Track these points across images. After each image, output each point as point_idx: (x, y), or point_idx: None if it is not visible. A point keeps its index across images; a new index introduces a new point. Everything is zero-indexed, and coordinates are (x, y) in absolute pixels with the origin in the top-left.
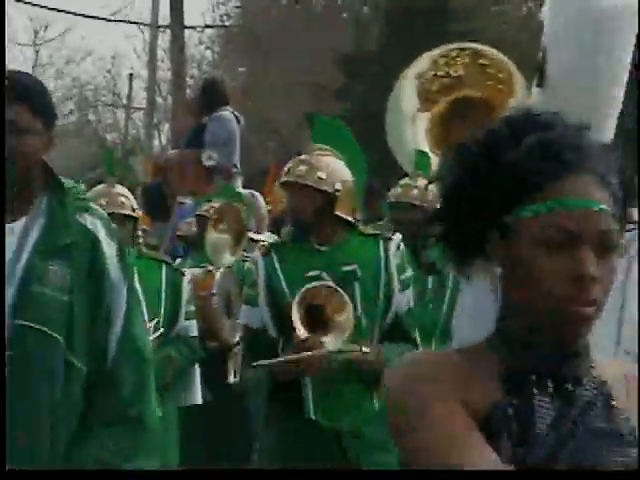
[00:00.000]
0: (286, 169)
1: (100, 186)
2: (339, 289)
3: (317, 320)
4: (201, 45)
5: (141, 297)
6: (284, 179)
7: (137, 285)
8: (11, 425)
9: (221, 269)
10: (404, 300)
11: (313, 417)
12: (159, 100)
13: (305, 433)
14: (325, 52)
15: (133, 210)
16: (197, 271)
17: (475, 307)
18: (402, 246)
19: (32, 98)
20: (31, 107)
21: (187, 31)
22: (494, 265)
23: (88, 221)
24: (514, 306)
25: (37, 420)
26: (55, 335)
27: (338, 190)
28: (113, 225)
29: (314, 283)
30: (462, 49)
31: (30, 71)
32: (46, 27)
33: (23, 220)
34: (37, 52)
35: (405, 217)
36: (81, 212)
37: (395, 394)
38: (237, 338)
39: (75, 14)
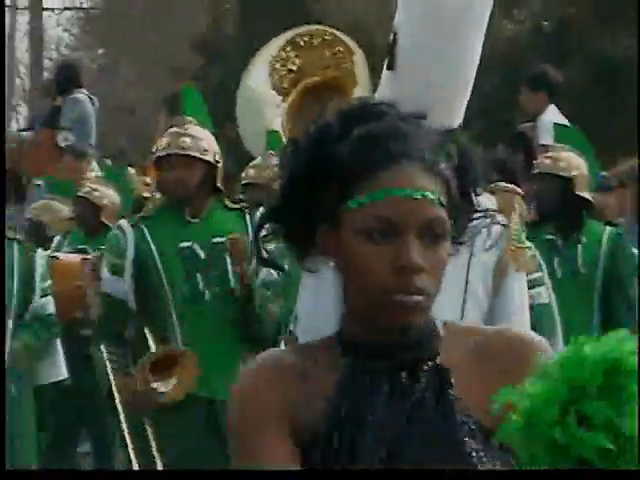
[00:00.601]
0: (165, 143)
1: None
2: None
3: (164, 365)
4: (59, 27)
5: None
6: (169, 151)
7: None
8: None
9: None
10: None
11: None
12: (17, 81)
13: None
14: (183, 34)
15: None
16: (72, 256)
17: (314, 297)
18: None
19: None
20: None
21: (45, 13)
22: (327, 260)
23: None
24: (347, 298)
25: None
26: None
27: (218, 161)
28: None
29: (184, 349)
30: (299, 35)
31: None
32: None
33: None
34: None
35: (259, 198)
36: None
37: (234, 403)
38: None
39: None
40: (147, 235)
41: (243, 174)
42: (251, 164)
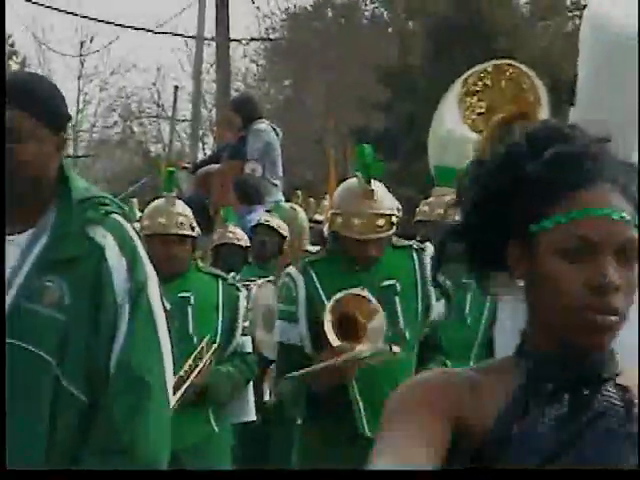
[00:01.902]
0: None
1: (158, 202)
2: (368, 295)
3: (350, 329)
4: (246, 58)
5: (198, 312)
6: (379, 235)
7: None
8: None
9: (259, 282)
10: (439, 309)
11: (368, 434)
12: (204, 112)
13: (353, 446)
14: (370, 66)
15: (192, 229)
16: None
17: (512, 321)
18: None
19: (33, 102)
20: (32, 112)
21: (232, 44)
22: (517, 279)
23: (98, 234)
24: (538, 319)
25: (24, 444)
26: (46, 357)
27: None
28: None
29: (344, 292)
30: (485, 71)
31: (75, 82)
32: (92, 38)
33: (29, 232)
34: (82, 63)
35: (430, 234)
36: (92, 224)
37: (390, 399)
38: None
39: (121, 26)
40: (316, 280)
41: (417, 211)
42: (424, 201)
